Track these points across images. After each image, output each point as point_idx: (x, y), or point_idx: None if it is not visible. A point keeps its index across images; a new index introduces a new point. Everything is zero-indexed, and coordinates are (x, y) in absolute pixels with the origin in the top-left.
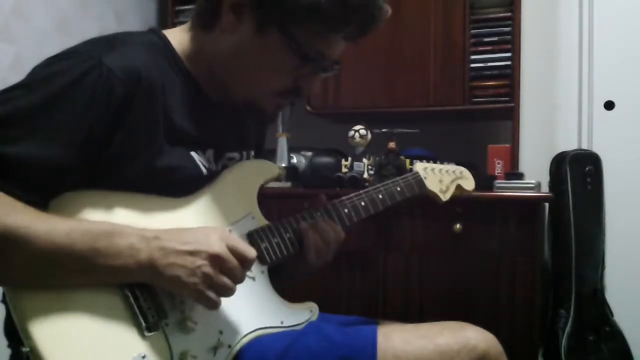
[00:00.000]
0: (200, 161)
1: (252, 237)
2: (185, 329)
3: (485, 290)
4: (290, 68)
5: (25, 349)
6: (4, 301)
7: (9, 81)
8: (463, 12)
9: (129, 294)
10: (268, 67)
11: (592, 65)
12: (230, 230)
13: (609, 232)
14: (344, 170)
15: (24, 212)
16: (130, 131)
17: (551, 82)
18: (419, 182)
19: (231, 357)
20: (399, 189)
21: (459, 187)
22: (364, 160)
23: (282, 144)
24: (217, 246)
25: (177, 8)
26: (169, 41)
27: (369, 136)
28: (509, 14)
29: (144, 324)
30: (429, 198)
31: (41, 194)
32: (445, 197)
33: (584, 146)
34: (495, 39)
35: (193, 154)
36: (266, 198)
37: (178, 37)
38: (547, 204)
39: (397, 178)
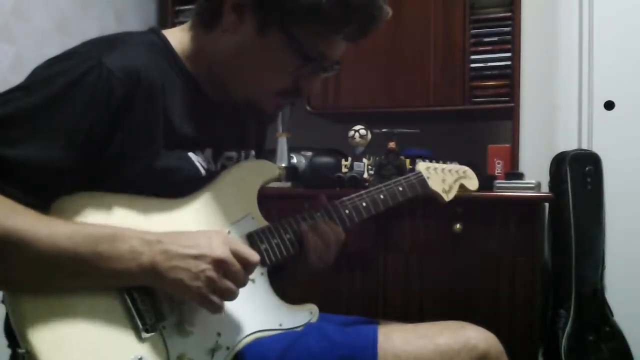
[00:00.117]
0: (199, 161)
1: (252, 238)
2: (183, 331)
3: (485, 290)
4: (291, 68)
5: (21, 351)
6: (4, 301)
7: (9, 81)
8: (463, 12)
9: (127, 297)
10: (269, 67)
11: (592, 65)
12: (229, 231)
13: (609, 232)
14: (344, 170)
15: (25, 215)
16: (130, 131)
17: (551, 82)
18: (422, 182)
19: (230, 359)
20: (401, 189)
21: (462, 186)
22: (364, 160)
23: (282, 144)
24: (221, 250)
25: (177, 8)
26: (168, 41)
27: (369, 136)
28: (509, 14)
29: (141, 326)
30: (432, 198)
31: (41, 196)
32: (448, 197)
33: (584, 146)
34: (495, 39)
35: (192, 154)
36: (266, 198)
37: (178, 37)
38: (547, 204)
39: (400, 178)
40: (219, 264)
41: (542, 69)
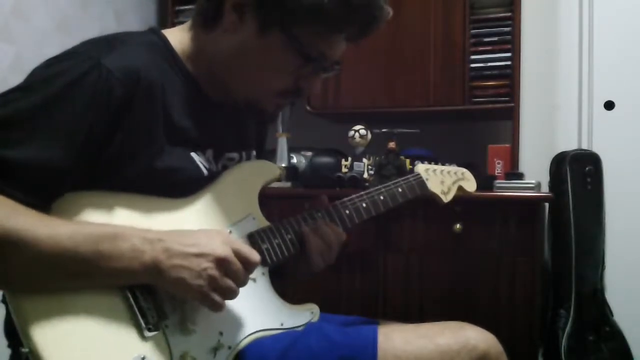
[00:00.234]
0: (201, 162)
1: (253, 238)
2: (186, 330)
3: (485, 290)
4: (292, 68)
5: (24, 350)
6: (4, 301)
7: (9, 81)
8: (463, 12)
9: (130, 295)
10: (269, 67)
11: (592, 65)
12: (230, 231)
13: (609, 232)
14: (344, 170)
15: (26, 215)
16: (130, 131)
17: (551, 82)
18: (421, 183)
19: (231, 358)
20: (400, 190)
21: (460, 188)
22: (364, 160)
23: (282, 144)
24: (222, 249)
25: (177, 8)
26: (168, 41)
27: (369, 136)
28: (509, 14)
29: (144, 325)
30: (431, 199)
31: (42, 196)
32: (447, 199)
33: (584, 146)
34: (495, 39)
35: (193, 154)
36: (266, 198)
37: (178, 36)
38: (547, 204)
39: (399, 179)
40: (221, 263)
41: (542, 69)
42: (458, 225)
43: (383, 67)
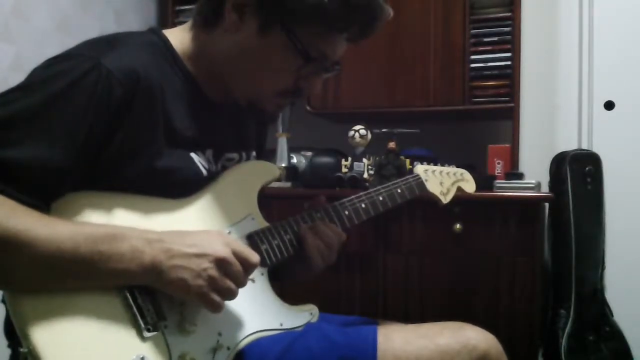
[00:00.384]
0: (200, 162)
1: (252, 239)
2: (184, 331)
3: (485, 290)
4: (292, 68)
5: (23, 350)
6: (4, 301)
7: (9, 81)
8: (463, 12)
9: (128, 295)
10: (270, 67)
11: (592, 65)
12: (230, 232)
13: (609, 232)
14: (344, 170)
15: (25, 216)
16: (130, 132)
17: (551, 82)
18: (420, 184)
19: (231, 359)
20: (399, 191)
21: (459, 189)
22: (364, 160)
23: (282, 144)
24: (222, 250)
25: (177, 8)
26: (169, 41)
27: (369, 136)
28: (509, 14)
29: (142, 325)
30: (430, 200)
31: (42, 196)
32: (446, 200)
33: (584, 146)
34: (495, 39)
35: (193, 154)
36: (266, 198)
37: (178, 37)
38: (547, 204)
39: (398, 180)
40: (220, 264)
41: (542, 69)
42: (458, 225)
43: (383, 67)
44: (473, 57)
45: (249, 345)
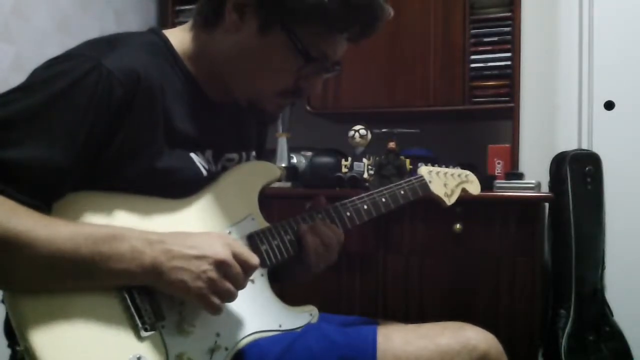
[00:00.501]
0: (200, 162)
1: (252, 239)
2: (183, 331)
3: (485, 290)
4: (293, 68)
5: (20, 349)
6: (4, 301)
7: (9, 81)
8: (463, 12)
9: (127, 295)
10: (270, 67)
11: (592, 65)
12: (230, 232)
13: (609, 232)
14: (344, 170)
15: (26, 216)
16: (130, 132)
17: (551, 82)
18: (424, 186)
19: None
20: (403, 192)
21: (464, 191)
22: (364, 160)
23: (282, 144)
24: (222, 252)
25: (177, 8)
26: (169, 41)
27: (369, 136)
28: (509, 14)
29: (140, 325)
30: (433, 201)
31: (42, 197)
32: (450, 201)
33: (584, 146)
34: (495, 39)
35: (193, 155)
36: (266, 198)
37: (179, 37)
38: (547, 204)
39: (401, 181)
40: (220, 265)
41: (542, 69)
42: (458, 226)
43: (383, 67)
44: (473, 57)
45: (248, 345)
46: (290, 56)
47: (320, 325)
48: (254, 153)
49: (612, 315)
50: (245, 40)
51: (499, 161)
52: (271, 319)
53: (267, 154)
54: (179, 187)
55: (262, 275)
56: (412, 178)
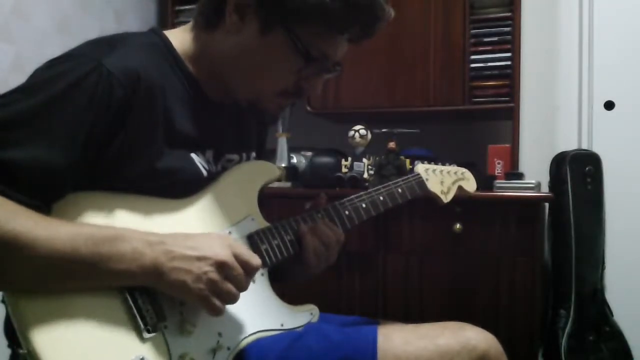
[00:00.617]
0: (200, 162)
1: (252, 240)
2: (185, 331)
3: (485, 290)
4: (294, 69)
5: (22, 351)
6: (4, 302)
7: (9, 81)
8: (463, 12)
9: (128, 296)
10: (271, 67)
11: (592, 65)
12: (230, 232)
13: (609, 232)
14: (344, 170)
15: (26, 217)
16: (130, 132)
17: (551, 82)
18: (420, 183)
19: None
20: (400, 190)
21: (460, 188)
22: (364, 160)
23: (282, 144)
24: (223, 253)
25: (177, 8)
26: (169, 41)
27: (369, 136)
28: (509, 14)
29: (142, 326)
30: (431, 199)
31: (42, 197)
32: (446, 199)
33: (584, 146)
34: (495, 39)
35: (193, 155)
36: (266, 198)
37: (179, 37)
38: (547, 204)
39: (398, 179)
40: (221, 267)
41: (542, 69)
42: (458, 225)
43: (383, 67)
44: (473, 57)
45: (250, 345)
46: (290, 56)
47: (321, 325)
48: (254, 154)
49: (612, 315)
50: (246, 40)
51: (499, 161)
52: (273, 318)
53: (267, 154)
54: (179, 188)
55: (262, 274)
56: (409, 176)
